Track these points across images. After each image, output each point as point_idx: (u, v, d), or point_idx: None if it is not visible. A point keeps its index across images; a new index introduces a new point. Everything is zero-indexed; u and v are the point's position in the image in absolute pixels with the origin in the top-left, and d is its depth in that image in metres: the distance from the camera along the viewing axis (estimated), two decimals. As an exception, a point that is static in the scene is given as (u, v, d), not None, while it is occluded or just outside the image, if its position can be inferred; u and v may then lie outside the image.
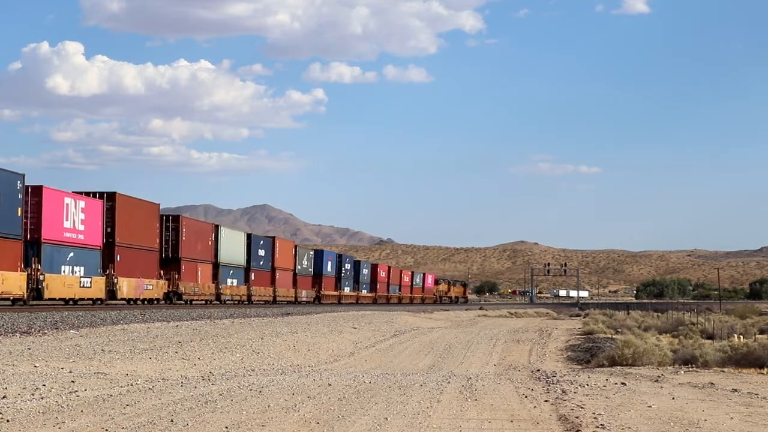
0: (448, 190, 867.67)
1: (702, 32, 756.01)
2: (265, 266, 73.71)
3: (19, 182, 39.12)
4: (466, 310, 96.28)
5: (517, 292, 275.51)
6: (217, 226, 64.49)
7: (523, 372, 23.61)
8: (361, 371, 23.61)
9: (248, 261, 69.50)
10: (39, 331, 26.10)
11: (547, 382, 18.99)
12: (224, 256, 64.39)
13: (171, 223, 56.57)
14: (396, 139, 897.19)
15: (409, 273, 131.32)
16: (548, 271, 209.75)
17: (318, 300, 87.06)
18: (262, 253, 72.75)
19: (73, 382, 16.83)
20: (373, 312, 62.23)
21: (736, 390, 18.26)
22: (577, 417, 13.84)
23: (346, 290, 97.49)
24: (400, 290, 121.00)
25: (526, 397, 16.36)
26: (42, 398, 14.67)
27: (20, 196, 39.31)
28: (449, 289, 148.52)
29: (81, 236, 44.83)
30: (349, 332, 38.34)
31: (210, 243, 62.24)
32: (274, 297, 74.83)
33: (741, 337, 34.33)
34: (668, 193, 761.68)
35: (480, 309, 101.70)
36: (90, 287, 45.68)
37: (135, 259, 50.74)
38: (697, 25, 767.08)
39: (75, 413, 13.40)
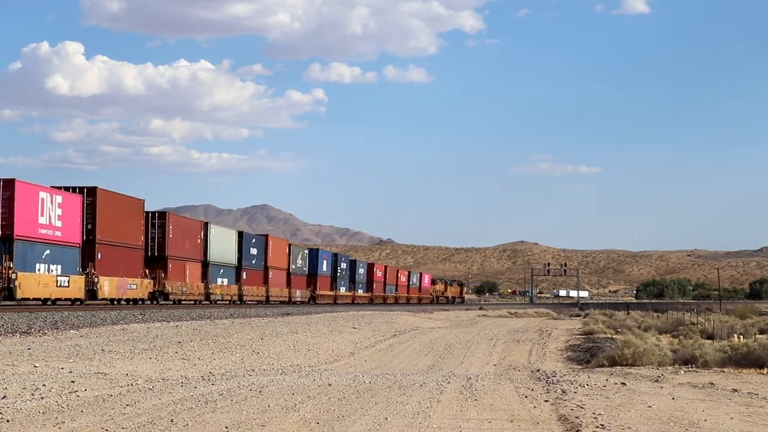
0: (448, 190, 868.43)
1: (702, 32, 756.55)
2: (258, 265, 71.85)
3: None
4: (466, 310, 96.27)
5: (517, 292, 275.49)
6: (206, 224, 62.74)
7: (523, 372, 23.61)
8: (361, 371, 23.61)
9: (240, 260, 67.57)
10: (39, 331, 26.10)
11: (547, 382, 18.99)
12: (214, 255, 62.48)
13: (157, 220, 54.60)
14: (396, 139, 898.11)
15: (406, 273, 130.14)
16: (548, 271, 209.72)
17: (313, 300, 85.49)
18: (254, 251, 70.97)
19: (73, 382, 16.83)
20: (372, 312, 62.21)
21: (736, 390, 18.25)
22: (577, 417, 13.84)
23: (342, 290, 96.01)
24: (396, 290, 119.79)
25: (526, 397, 16.36)
26: (42, 398, 14.67)
27: None
28: (446, 289, 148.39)
29: (58, 233, 42.52)
30: (349, 332, 38.34)
31: (199, 241, 60.30)
32: (267, 297, 73.13)
33: (741, 337, 34.33)
34: (668, 193, 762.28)
35: (480, 309, 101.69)
36: (68, 287, 43.39)
37: (117, 258, 48.53)
38: (697, 25, 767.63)
39: (75, 413, 13.40)
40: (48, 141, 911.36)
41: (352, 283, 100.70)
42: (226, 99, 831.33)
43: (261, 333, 31.58)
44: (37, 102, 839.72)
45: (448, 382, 18.77)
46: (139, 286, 51.39)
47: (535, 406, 15.09)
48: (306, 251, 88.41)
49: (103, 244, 46.81)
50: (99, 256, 46.30)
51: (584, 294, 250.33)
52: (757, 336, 36.19)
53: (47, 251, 41.87)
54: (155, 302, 53.81)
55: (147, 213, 53.47)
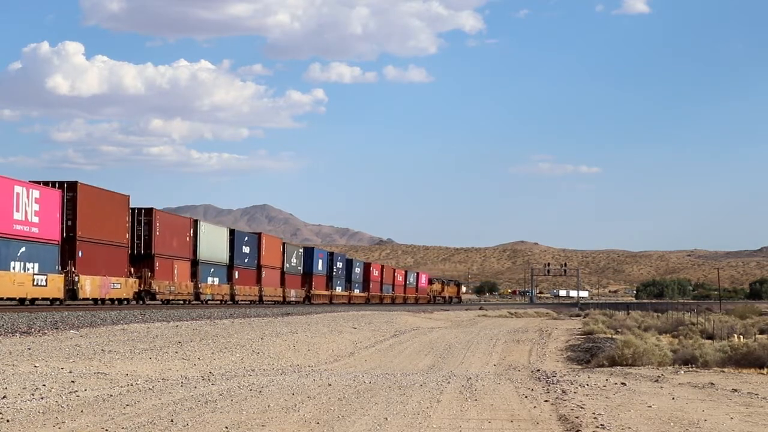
0: (448, 190, 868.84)
1: (702, 32, 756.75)
2: (250, 264, 70.20)
3: None
4: (466, 310, 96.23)
5: (517, 292, 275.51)
6: (195, 221, 60.98)
7: (523, 372, 23.61)
8: (361, 371, 23.61)
9: (231, 258, 65.96)
10: (39, 331, 26.10)
11: (547, 382, 18.98)
12: (204, 253, 60.78)
13: (143, 216, 52.81)
14: (396, 139, 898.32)
15: (403, 272, 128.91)
16: (548, 271, 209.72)
17: (308, 300, 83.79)
18: (246, 250, 69.25)
19: (73, 382, 16.83)
20: (372, 312, 62.17)
21: (736, 390, 18.25)
22: (577, 417, 13.84)
23: (338, 290, 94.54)
24: (393, 290, 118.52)
25: (526, 397, 16.36)
26: (42, 398, 14.66)
27: None
28: (443, 289, 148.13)
29: (35, 229, 40.66)
30: (349, 332, 38.33)
31: (188, 239, 58.53)
32: (260, 297, 71.41)
33: (741, 337, 34.33)
34: (668, 193, 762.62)
35: (480, 309, 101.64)
36: (45, 286, 41.47)
37: (100, 256, 46.62)
38: (697, 25, 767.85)
39: (75, 413, 13.40)
40: (48, 141, 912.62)
41: (349, 282, 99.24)
42: (226, 99, 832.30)
43: (261, 333, 31.58)
44: (37, 102, 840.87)
45: (448, 382, 18.77)
46: (124, 286, 49.63)
47: (535, 406, 15.08)
48: (301, 250, 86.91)
49: (85, 241, 44.99)
50: (80, 254, 44.51)
51: (584, 294, 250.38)
52: (757, 336, 36.18)
53: (23, 248, 40.13)
54: (141, 302, 52.29)
55: (132, 209, 51.82)
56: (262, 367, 24.01)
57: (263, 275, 72.57)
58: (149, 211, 53.33)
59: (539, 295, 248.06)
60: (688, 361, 25.27)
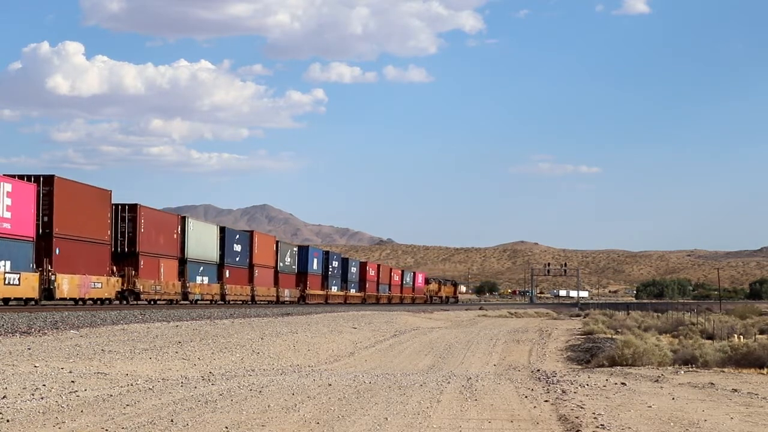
0: (448, 190, 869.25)
1: (702, 32, 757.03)
2: (242, 263, 68.05)
3: None
4: (466, 310, 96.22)
5: (517, 292, 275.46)
6: (183, 218, 58.41)
7: (523, 372, 23.61)
8: (361, 371, 23.61)
9: (222, 257, 63.69)
10: (39, 331, 26.09)
11: (547, 382, 18.98)
12: (193, 251, 58.52)
13: (127, 213, 50.49)
14: (396, 139, 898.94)
15: (399, 272, 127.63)
16: (548, 271, 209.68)
17: (303, 300, 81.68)
18: (238, 248, 66.99)
19: (73, 382, 16.82)
20: (372, 312, 62.14)
21: (736, 390, 18.25)
22: (577, 417, 13.83)
23: (334, 289, 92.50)
24: (390, 290, 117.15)
25: (526, 397, 16.36)
26: (42, 398, 14.66)
27: None
28: (440, 289, 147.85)
29: (7, 225, 38.48)
30: (349, 332, 38.33)
31: (175, 236, 56.26)
32: (253, 296, 69.23)
33: (741, 337, 34.32)
34: (668, 193, 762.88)
35: (480, 309, 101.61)
36: (18, 285, 39.06)
37: (79, 253, 44.21)
38: (697, 25, 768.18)
39: (75, 413, 13.39)
40: (48, 141, 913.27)
41: (344, 282, 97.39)
42: (226, 99, 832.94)
43: (261, 333, 31.58)
44: (38, 102, 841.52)
45: (448, 382, 18.77)
46: (105, 285, 47.29)
47: (535, 406, 15.08)
48: (295, 248, 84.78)
49: (62, 238, 42.64)
50: (57, 252, 42.14)
51: (584, 294, 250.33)
52: (757, 336, 36.17)
53: None
54: (125, 302, 50.21)
55: (116, 205, 49.91)
56: (262, 367, 24.00)
57: (256, 274, 70.57)
58: (133, 207, 51.07)
59: (539, 295, 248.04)
60: (688, 361, 25.27)
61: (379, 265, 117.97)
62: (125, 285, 49.96)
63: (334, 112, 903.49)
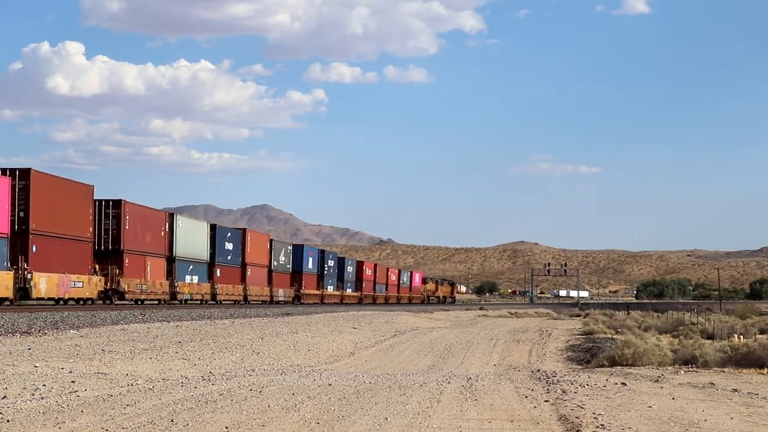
0: (448, 190, 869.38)
1: (702, 32, 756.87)
2: (234, 262, 66.33)
3: None
4: (466, 310, 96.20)
5: (517, 292, 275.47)
6: (172, 215, 56.45)
7: (523, 372, 23.60)
8: (362, 371, 23.60)
9: (213, 255, 62.06)
10: (39, 331, 26.10)
11: (547, 382, 18.98)
12: (181, 250, 56.80)
13: (111, 209, 48.61)
14: (396, 139, 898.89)
15: (396, 271, 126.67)
16: (548, 271, 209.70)
17: (298, 300, 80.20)
18: (229, 246, 65.34)
19: (73, 382, 16.82)
20: (372, 312, 62.12)
21: (736, 390, 18.25)
22: (577, 417, 13.83)
23: (330, 289, 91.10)
24: (387, 289, 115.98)
25: (526, 397, 16.36)
26: (42, 398, 14.66)
27: None
28: (437, 289, 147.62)
29: None
30: (349, 332, 38.33)
31: (163, 234, 54.49)
32: (245, 296, 67.72)
33: (741, 337, 34.31)
34: (668, 193, 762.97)
35: (480, 309, 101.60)
36: None
37: (58, 251, 42.30)
38: (697, 25, 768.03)
39: (75, 413, 13.39)
40: (48, 141, 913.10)
41: (341, 281, 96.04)
42: (227, 99, 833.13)
43: (261, 333, 31.58)
44: (38, 102, 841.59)
45: (449, 382, 18.76)
46: (87, 284, 45.29)
47: (535, 406, 15.08)
48: (290, 247, 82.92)
49: (39, 234, 40.75)
50: (34, 249, 40.15)
51: (584, 294, 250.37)
52: (757, 336, 36.17)
53: None
54: (108, 302, 48.45)
55: (99, 201, 48.13)
56: (262, 367, 24.00)
57: (248, 273, 68.99)
58: (117, 203, 49.26)
59: (539, 295, 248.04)
60: (688, 361, 25.27)
61: (375, 265, 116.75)
62: (109, 284, 48.20)
63: (334, 112, 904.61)
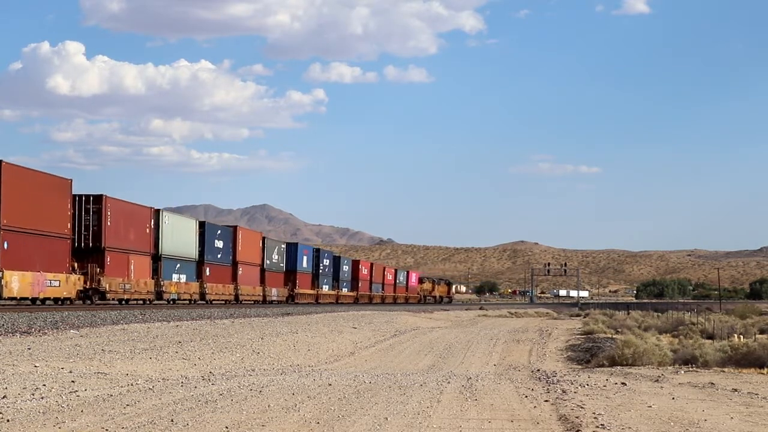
0: (448, 190, 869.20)
1: (702, 32, 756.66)
2: (224, 260, 64.24)
3: None
4: (466, 310, 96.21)
5: (518, 292, 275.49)
6: (157, 211, 54.01)
7: (523, 372, 23.61)
8: (362, 371, 23.61)
9: (201, 254, 60.06)
10: (39, 331, 26.10)
11: (547, 382, 18.98)
12: (168, 247, 54.82)
13: (91, 204, 46.51)
14: (396, 139, 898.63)
15: (393, 271, 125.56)
16: (548, 271, 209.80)
17: (291, 299, 78.55)
18: (219, 244, 63.37)
19: (73, 382, 16.82)
20: (372, 312, 62.11)
21: (736, 390, 18.25)
22: (577, 417, 13.83)
23: (325, 288, 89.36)
24: (383, 289, 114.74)
25: (526, 397, 16.36)
26: (42, 398, 14.66)
27: None
28: (433, 288, 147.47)
29: None
30: (349, 332, 38.33)
31: (148, 231, 52.31)
32: (236, 296, 65.74)
33: (741, 337, 34.31)
34: (668, 193, 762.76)
35: (480, 309, 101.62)
36: None
37: (33, 248, 40.24)
38: (697, 25, 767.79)
39: (75, 413, 13.39)
40: (48, 141, 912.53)
41: (336, 281, 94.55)
42: (227, 99, 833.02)
43: (261, 333, 31.58)
44: (38, 102, 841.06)
45: (449, 382, 18.77)
46: (64, 283, 43.06)
47: (535, 406, 15.08)
48: (283, 245, 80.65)
49: (11, 231, 38.56)
50: (5, 246, 38.09)
51: (584, 294, 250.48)
52: (757, 336, 36.17)
53: None
54: (88, 302, 46.42)
55: (78, 196, 46.00)
56: (262, 366, 24.01)
57: (240, 272, 66.87)
58: (98, 198, 46.96)
59: (539, 295, 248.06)
60: (688, 361, 25.27)
61: (372, 264, 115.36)
62: (89, 283, 46.07)
63: (334, 112, 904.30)
